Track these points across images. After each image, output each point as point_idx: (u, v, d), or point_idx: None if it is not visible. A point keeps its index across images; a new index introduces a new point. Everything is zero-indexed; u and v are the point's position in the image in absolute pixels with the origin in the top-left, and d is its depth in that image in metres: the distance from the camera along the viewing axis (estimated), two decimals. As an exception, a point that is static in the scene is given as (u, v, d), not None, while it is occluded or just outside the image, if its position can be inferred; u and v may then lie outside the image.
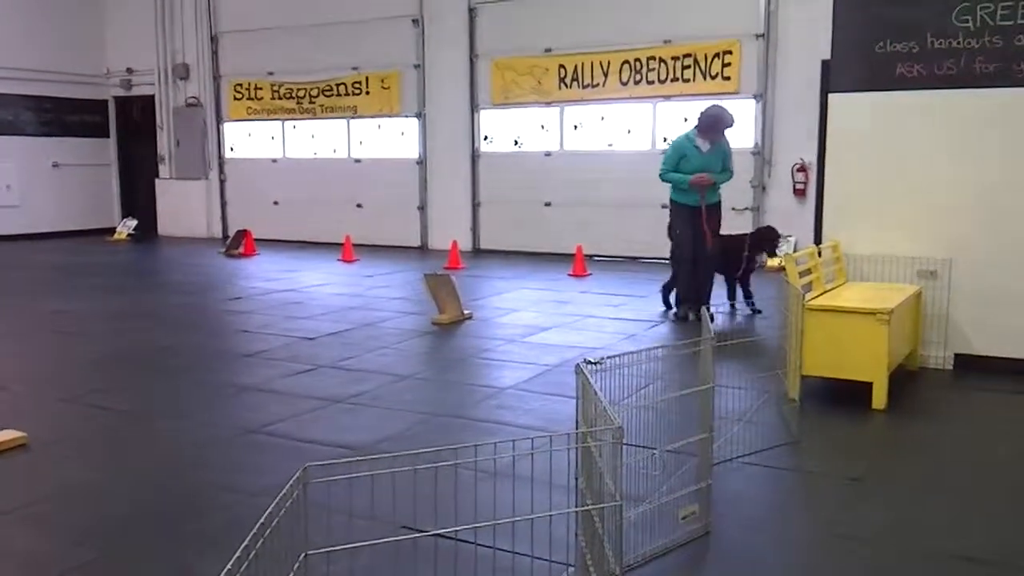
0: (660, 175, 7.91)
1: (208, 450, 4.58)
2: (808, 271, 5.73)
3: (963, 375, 6.02)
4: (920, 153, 6.18)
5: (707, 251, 7.84)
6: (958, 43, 5.94)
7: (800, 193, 11.55)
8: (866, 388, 5.21)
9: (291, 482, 2.15)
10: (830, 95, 6.49)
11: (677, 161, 7.77)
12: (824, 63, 9.60)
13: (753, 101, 11.80)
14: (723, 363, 5.53)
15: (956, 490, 4.03)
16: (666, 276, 8.43)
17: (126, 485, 4.09)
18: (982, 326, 6.07)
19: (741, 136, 11.94)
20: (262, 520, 2.05)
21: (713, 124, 7.73)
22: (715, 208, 7.89)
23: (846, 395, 5.33)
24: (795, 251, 10.49)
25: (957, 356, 6.14)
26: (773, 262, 9.02)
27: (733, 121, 7.79)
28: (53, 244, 15.27)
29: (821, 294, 5.71)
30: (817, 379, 5.46)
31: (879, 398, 5.18)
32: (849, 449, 4.67)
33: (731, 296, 8.39)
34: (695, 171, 7.66)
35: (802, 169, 11.51)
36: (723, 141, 7.90)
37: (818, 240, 7.62)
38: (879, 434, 4.98)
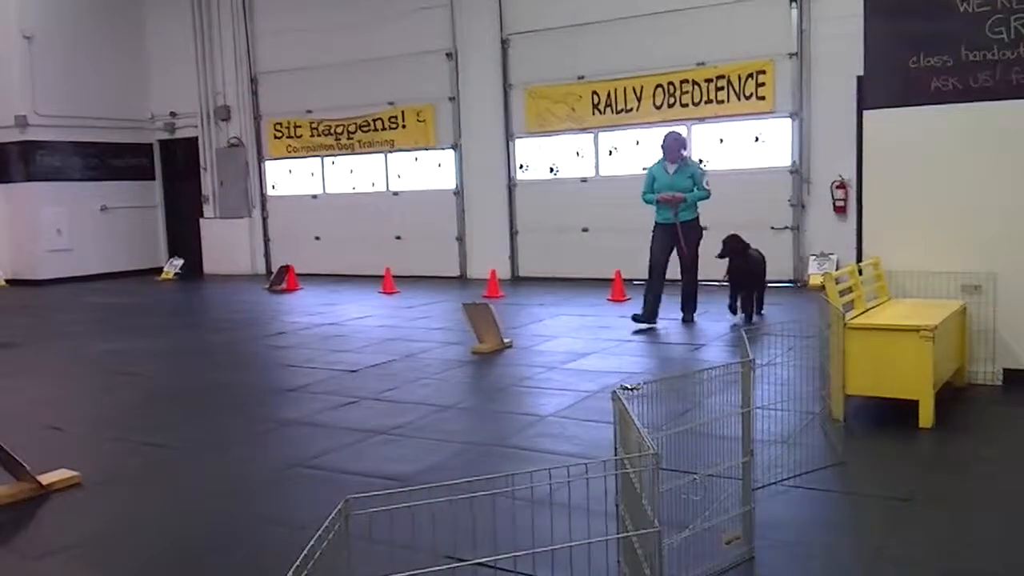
0: (642, 197, 8.98)
1: (255, 484, 4.65)
2: (849, 289, 5.67)
3: (1012, 390, 5.90)
4: (959, 166, 6.11)
5: (687, 264, 8.89)
6: (993, 55, 5.88)
7: (840, 210, 11.44)
8: (912, 406, 5.12)
9: (332, 515, 2.19)
10: (865, 112, 6.45)
11: (651, 184, 8.89)
12: (859, 79, 9.54)
13: (789, 120, 11.74)
14: (765, 384, 5.49)
15: (1007, 509, 3.95)
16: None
17: (176, 521, 4.17)
18: (1031, 340, 5.95)
19: (778, 155, 11.93)
20: (305, 552, 2.08)
21: (670, 147, 8.87)
22: (690, 225, 8.83)
23: (892, 414, 5.25)
24: (836, 269, 10.40)
25: (1006, 371, 6.02)
26: (815, 279, 9.36)
27: (685, 142, 9.18)
28: (103, 285, 15.64)
29: (863, 312, 5.64)
30: (862, 398, 5.40)
31: (926, 416, 5.09)
32: (896, 469, 4.59)
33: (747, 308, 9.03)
34: (662, 190, 8.76)
35: (841, 186, 11.41)
36: (690, 163, 9.09)
37: (860, 257, 7.55)
38: (927, 453, 4.90)
